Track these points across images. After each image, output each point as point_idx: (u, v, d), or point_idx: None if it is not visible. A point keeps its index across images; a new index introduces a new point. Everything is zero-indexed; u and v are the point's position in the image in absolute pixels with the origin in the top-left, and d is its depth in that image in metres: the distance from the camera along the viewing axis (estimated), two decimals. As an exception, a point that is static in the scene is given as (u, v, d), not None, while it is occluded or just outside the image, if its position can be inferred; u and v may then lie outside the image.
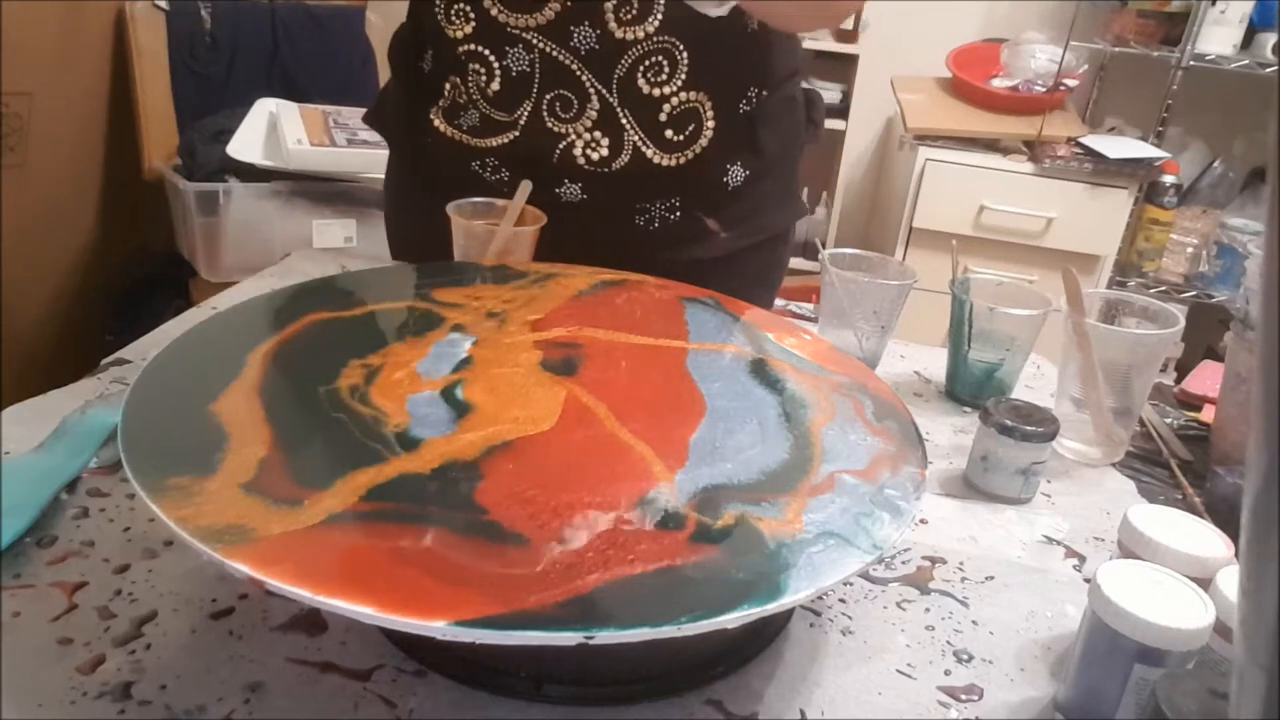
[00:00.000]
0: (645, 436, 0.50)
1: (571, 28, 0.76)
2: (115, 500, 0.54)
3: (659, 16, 0.76)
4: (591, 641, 0.35)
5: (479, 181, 0.83)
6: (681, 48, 0.78)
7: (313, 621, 0.46)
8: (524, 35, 0.77)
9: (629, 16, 0.76)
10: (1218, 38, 2.05)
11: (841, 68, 2.38)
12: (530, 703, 0.43)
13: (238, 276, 0.86)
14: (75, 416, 0.59)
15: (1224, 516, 0.63)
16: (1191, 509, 0.65)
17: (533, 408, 0.51)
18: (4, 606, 0.45)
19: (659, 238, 0.85)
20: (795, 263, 2.37)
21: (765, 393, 0.56)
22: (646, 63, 0.78)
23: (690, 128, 0.81)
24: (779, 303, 0.95)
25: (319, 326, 0.59)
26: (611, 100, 0.78)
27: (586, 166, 0.80)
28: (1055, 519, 0.64)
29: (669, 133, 0.80)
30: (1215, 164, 2.25)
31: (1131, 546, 0.51)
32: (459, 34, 0.78)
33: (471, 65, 0.79)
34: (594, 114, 0.79)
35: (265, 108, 1.87)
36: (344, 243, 1.84)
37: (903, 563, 0.57)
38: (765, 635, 0.48)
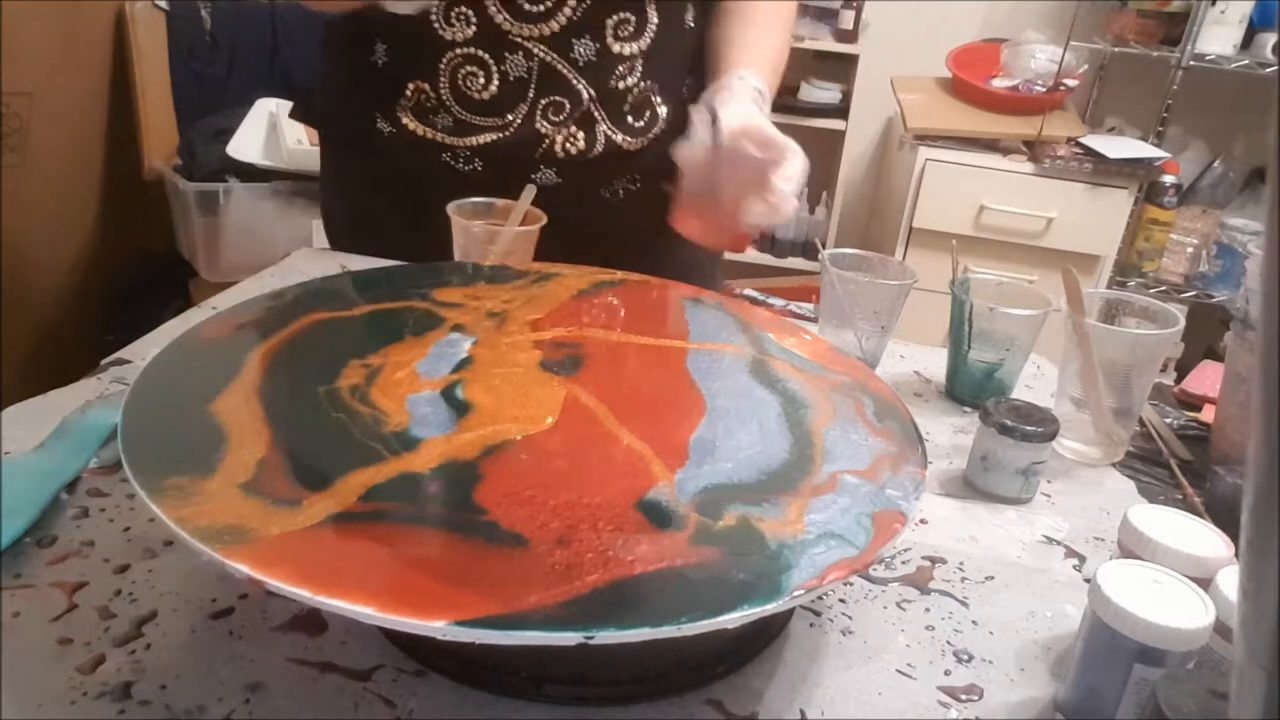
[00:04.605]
0: (645, 436, 0.50)
1: (573, 40, 0.81)
2: (115, 500, 0.54)
3: (650, 36, 0.83)
4: (591, 641, 0.35)
5: (449, 172, 0.86)
6: (648, 53, 0.84)
7: (313, 621, 0.46)
8: (526, 44, 0.80)
9: (626, 34, 0.82)
10: (1218, 38, 2.05)
11: (841, 68, 2.38)
12: (530, 703, 0.43)
13: (238, 276, 0.86)
14: (75, 416, 0.59)
15: (1224, 516, 0.63)
16: (1191, 509, 0.65)
17: (533, 408, 0.51)
18: (4, 606, 0.45)
19: (622, 208, 0.91)
20: (795, 262, 2.38)
21: (765, 393, 0.56)
22: (633, 69, 0.84)
23: (647, 114, 0.88)
24: (779, 303, 0.95)
25: (319, 326, 0.59)
26: (594, 98, 0.84)
27: (564, 158, 0.85)
28: (1055, 519, 0.64)
29: (630, 118, 0.87)
30: (1215, 164, 2.25)
31: (1131, 546, 0.51)
32: (458, 37, 0.79)
33: (467, 68, 0.81)
34: (579, 115, 0.84)
35: (265, 108, 1.87)
36: (344, 243, 1.83)
37: (903, 563, 0.57)
38: (765, 635, 0.48)
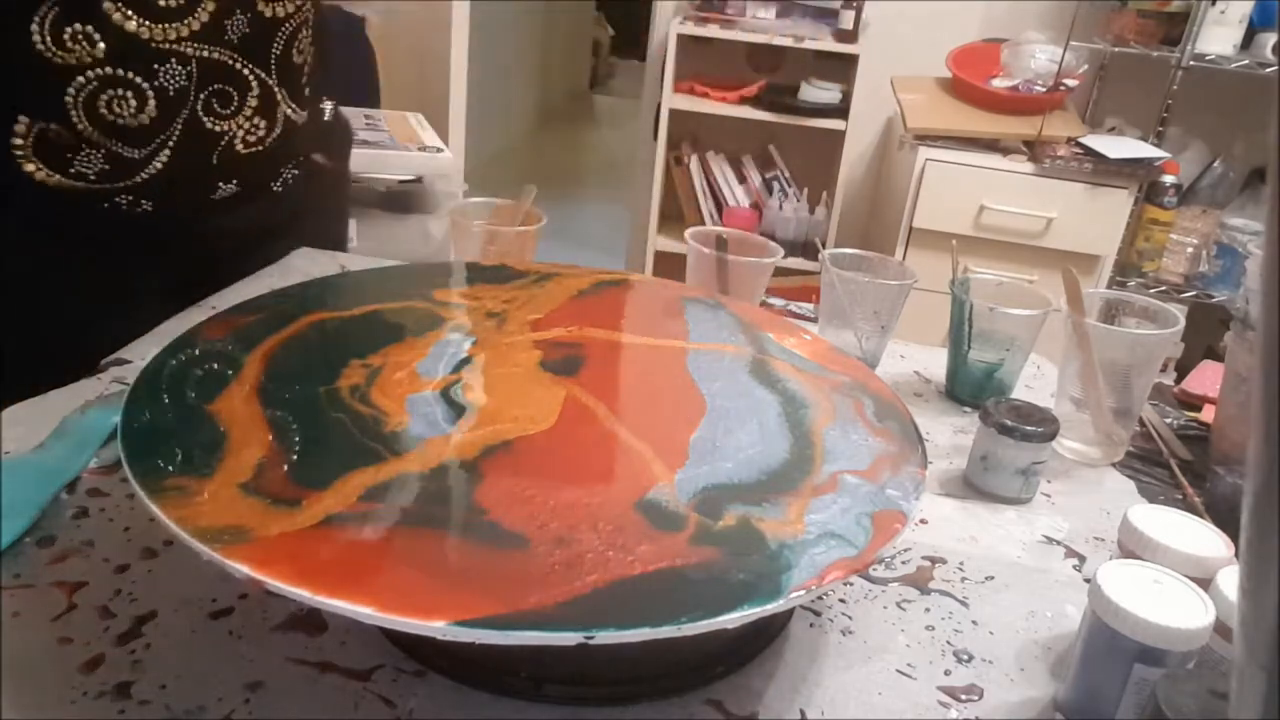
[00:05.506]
0: (645, 436, 0.50)
1: (225, 22, 0.71)
2: (115, 500, 0.54)
3: None
4: (591, 641, 0.35)
5: (112, 217, 0.72)
6: (310, 10, 0.76)
7: (313, 621, 0.46)
8: (177, 47, 0.69)
9: None
10: (1218, 38, 2.05)
11: (841, 68, 2.38)
12: (530, 703, 0.43)
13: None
14: (75, 416, 0.59)
15: (1224, 516, 0.63)
16: (1191, 509, 0.65)
17: (532, 408, 0.51)
18: (4, 606, 0.45)
19: (292, 197, 0.85)
20: (795, 262, 2.38)
21: (765, 393, 0.56)
22: (299, 35, 0.76)
23: (314, 80, 0.82)
24: (779, 302, 0.95)
25: (319, 326, 0.59)
26: (271, 82, 0.75)
27: (244, 151, 0.76)
28: (1055, 519, 0.64)
29: (307, 90, 0.81)
30: (1215, 164, 2.25)
31: (1131, 546, 0.51)
32: (83, 59, 0.65)
33: (109, 93, 0.67)
34: (254, 102, 0.74)
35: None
36: (344, 243, 1.84)
37: (903, 563, 0.57)
38: (765, 635, 0.48)
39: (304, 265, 0.89)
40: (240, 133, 0.74)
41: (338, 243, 0.93)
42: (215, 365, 0.52)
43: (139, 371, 0.50)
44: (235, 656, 0.44)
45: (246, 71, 0.72)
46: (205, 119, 0.71)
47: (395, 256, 0.95)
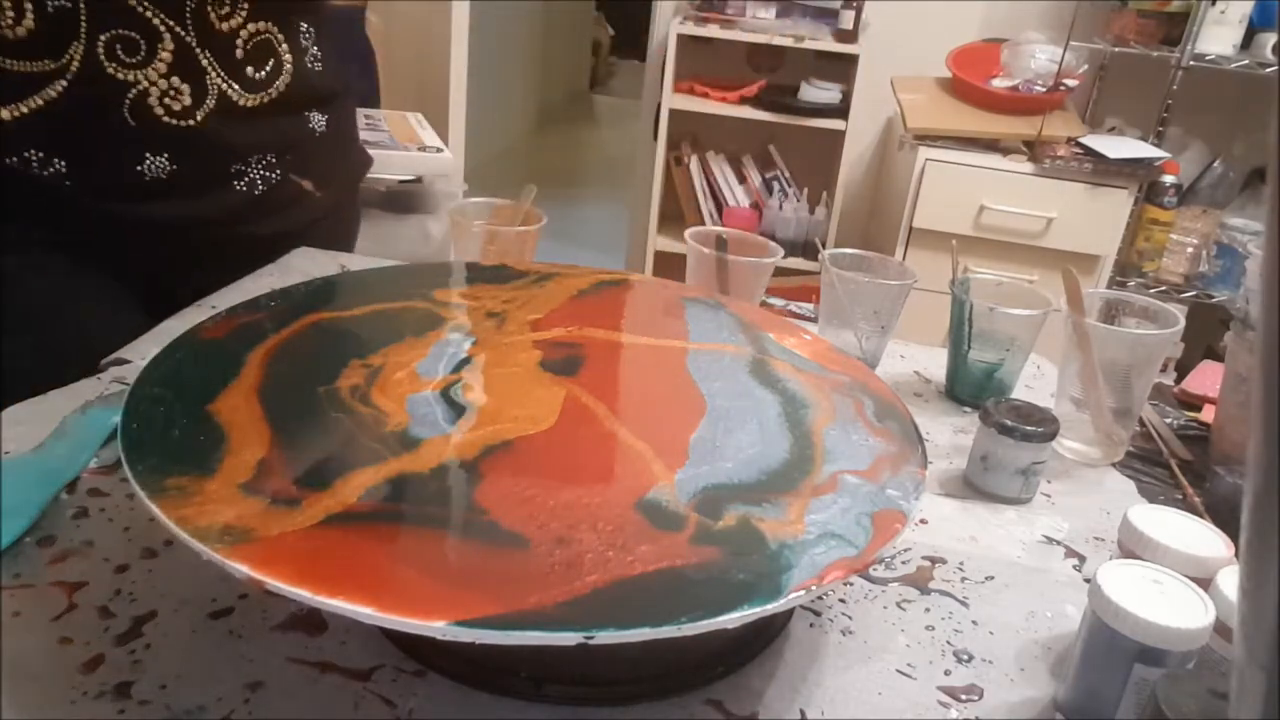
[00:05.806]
0: (645, 436, 0.50)
1: None
2: (115, 500, 0.54)
3: None
4: (591, 641, 0.35)
5: (23, 181, 0.71)
6: None
7: (313, 621, 0.46)
8: None
9: None
10: (1218, 38, 2.05)
11: (841, 68, 2.38)
12: (530, 703, 0.43)
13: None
14: (75, 416, 0.59)
15: (1224, 516, 0.63)
16: (1191, 509, 0.65)
17: (532, 407, 0.51)
18: (4, 606, 0.45)
19: (263, 205, 0.82)
20: (795, 262, 2.38)
21: (765, 392, 0.56)
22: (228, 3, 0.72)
23: (270, 64, 0.78)
24: (779, 302, 0.95)
25: (319, 326, 0.59)
26: (189, 39, 0.72)
27: (168, 119, 0.73)
28: (1055, 519, 0.64)
29: (250, 69, 0.76)
30: (1215, 164, 2.25)
31: (1131, 546, 0.51)
32: None
33: None
34: (168, 56, 0.72)
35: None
36: (344, 243, 1.83)
37: (903, 563, 0.57)
38: (765, 635, 0.48)
39: (304, 265, 0.89)
40: (155, 91, 0.71)
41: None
42: (215, 365, 0.52)
43: (139, 371, 0.50)
44: (235, 656, 0.44)
45: (156, 21, 0.70)
46: (107, 63, 0.69)
47: (395, 256, 0.95)
